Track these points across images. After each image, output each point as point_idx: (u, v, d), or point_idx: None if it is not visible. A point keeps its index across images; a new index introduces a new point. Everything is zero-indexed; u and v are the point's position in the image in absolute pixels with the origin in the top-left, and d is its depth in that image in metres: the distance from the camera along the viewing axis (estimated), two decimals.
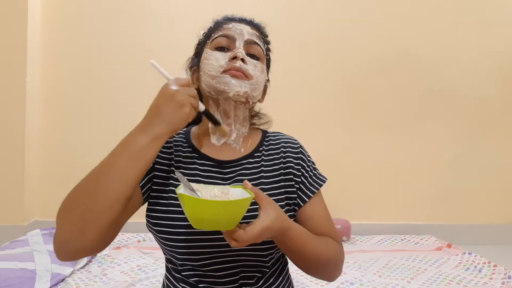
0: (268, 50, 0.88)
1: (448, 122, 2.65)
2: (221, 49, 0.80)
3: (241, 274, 0.76)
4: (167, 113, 0.65)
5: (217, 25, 0.85)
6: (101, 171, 0.63)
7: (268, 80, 0.89)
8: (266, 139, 0.88)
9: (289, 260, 0.91)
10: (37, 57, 2.41)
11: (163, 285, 0.85)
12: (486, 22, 2.65)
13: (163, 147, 0.82)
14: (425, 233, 2.53)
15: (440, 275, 1.80)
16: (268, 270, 0.80)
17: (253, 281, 0.77)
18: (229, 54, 0.78)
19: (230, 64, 0.77)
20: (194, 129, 0.89)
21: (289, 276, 0.88)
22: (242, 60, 0.77)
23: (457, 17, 2.64)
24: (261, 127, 0.93)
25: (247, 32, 0.81)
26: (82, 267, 1.75)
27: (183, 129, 0.89)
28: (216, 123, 0.78)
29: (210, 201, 0.60)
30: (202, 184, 0.70)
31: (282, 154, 0.84)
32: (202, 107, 0.72)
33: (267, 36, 0.89)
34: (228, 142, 0.83)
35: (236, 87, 0.76)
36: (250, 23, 0.85)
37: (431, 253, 2.14)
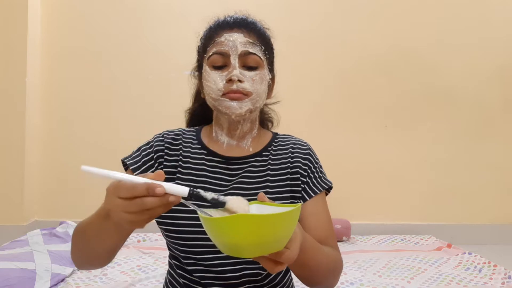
0: (269, 48, 0.86)
1: (449, 122, 2.65)
2: (218, 67, 0.81)
3: (244, 272, 0.76)
4: (111, 216, 0.58)
5: (210, 35, 0.84)
6: (83, 235, 0.70)
7: (271, 77, 0.89)
8: (276, 140, 0.90)
9: None
10: (37, 57, 2.41)
11: (166, 281, 0.86)
12: (486, 22, 2.65)
13: (171, 145, 0.84)
14: (425, 233, 2.53)
15: (440, 275, 1.80)
16: None
17: (258, 278, 0.78)
18: (225, 74, 0.79)
19: (227, 87, 0.78)
20: (205, 127, 0.92)
21: (291, 279, 0.89)
22: (239, 80, 0.78)
23: (457, 17, 2.64)
24: (271, 125, 0.96)
25: (240, 42, 0.79)
26: None
27: (194, 128, 0.92)
28: (217, 205, 0.57)
29: (254, 215, 0.47)
30: (210, 209, 0.58)
31: (290, 155, 0.85)
32: (182, 191, 0.53)
33: (264, 34, 0.85)
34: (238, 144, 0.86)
35: (236, 109, 0.78)
36: (243, 26, 0.82)
37: (431, 253, 2.14)
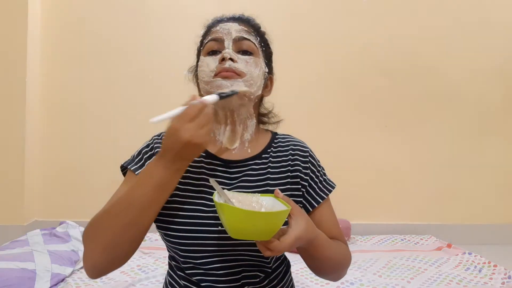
0: (264, 41, 0.86)
1: (448, 122, 2.65)
2: (212, 53, 0.80)
3: (243, 274, 0.76)
4: (185, 155, 0.66)
5: (208, 29, 0.85)
6: (129, 201, 0.67)
7: (269, 72, 0.87)
8: (275, 141, 0.87)
9: (291, 263, 0.91)
10: (37, 57, 2.41)
11: (166, 282, 0.85)
12: (487, 23, 2.65)
13: None
14: (425, 233, 2.53)
15: (440, 275, 1.80)
16: (271, 271, 0.80)
17: (257, 280, 0.77)
18: (219, 57, 0.78)
19: (220, 67, 0.77)
20: None
21: (291, 279, 0.89)
22: (231, 59, 0.77)
23: (457, 17, 2.64)
24: (271, 127, 0.92)
25: (235, 30, 0.80)
26: (82, 267, 1.75)
27: None
28: (232, 94, 0.75)
29: (253, 212, 0.60)
30: (234, 193, 0.72)
31: (290, 157, 0.84)
32: (213, 98, 0.70)
33: (259, 28, 0.87)
34: (233, 145, 0.82)
35: (228, 87, 0.75)
36: (238, 19, 0.84)
37: (431, 253, 2.14)
